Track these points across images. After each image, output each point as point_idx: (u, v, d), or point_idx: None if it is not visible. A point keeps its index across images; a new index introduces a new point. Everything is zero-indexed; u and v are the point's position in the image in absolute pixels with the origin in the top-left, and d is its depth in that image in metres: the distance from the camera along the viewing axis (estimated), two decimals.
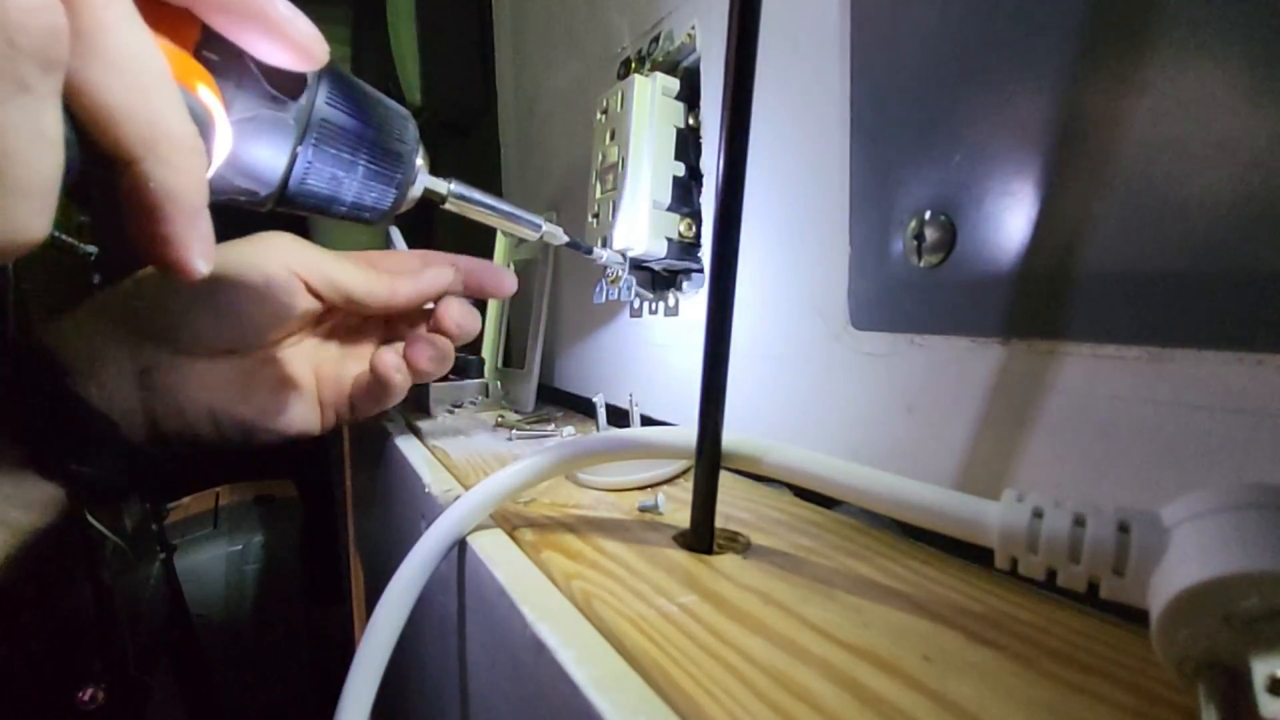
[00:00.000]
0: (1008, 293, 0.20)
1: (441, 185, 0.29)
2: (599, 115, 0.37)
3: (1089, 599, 0.15)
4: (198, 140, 0.18)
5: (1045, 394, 0.19)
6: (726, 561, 0.22)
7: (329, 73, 0.23)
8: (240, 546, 1.08)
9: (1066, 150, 0.18)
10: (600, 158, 0.37)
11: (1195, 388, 0.16)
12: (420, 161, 0.28)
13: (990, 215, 0.20)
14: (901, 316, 0.24)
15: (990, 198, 0.20)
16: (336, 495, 1.02)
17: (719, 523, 0.23)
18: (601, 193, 0.37)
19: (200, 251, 0.19)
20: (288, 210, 0.25)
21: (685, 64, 0.36)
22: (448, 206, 0.30)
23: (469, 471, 0.34)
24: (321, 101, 0.23)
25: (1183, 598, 0.11)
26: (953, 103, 0.21)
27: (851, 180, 0.25)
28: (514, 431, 0.42)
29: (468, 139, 0.85)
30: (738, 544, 0.23)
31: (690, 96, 0.35)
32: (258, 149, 0.22)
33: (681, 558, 0.22)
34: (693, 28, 0.34)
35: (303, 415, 0.35)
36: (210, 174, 0.20)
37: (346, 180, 0.25)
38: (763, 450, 0.21)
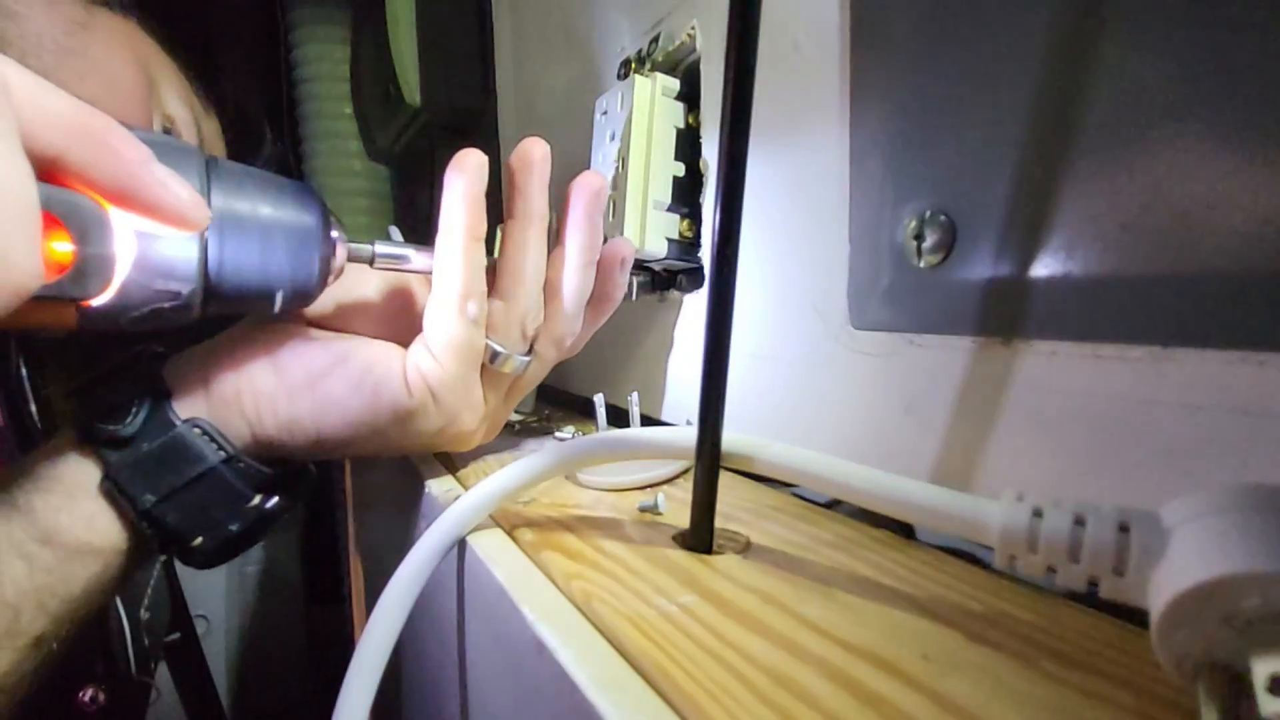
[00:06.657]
0: (1008, 293, 0.20)
1: (365, 249, 0.28)
2: (599, 115, 0.37)
3: (1088, 599, 0.15)
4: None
5: (1046, 394, 0.19)
6: (726, 561, 0.22)
7: (215, 168, 0.24)
8: None
9: (1068, 150, 0.18)
10: (600, 158, 0.37)
11: (1197, 388, 0.16)
12: (336, 233, 0.27)
13: (990, 215, 0.20)
14: (901, 316, 0.24)
15: (990, 197, 0.20)
16: (336, 495, 1.02)
17: (719, 523, 0.23)
18: None
19: None
20: (224, 309, 0.25)
21: (685, 64, 0.36)
22: (378, 266, 0.29)
23: (469, 472, 0.34)
24: (213, 194, 0.24)
25: (1183, 598, 0.11)
26: (953, 101, 0.21)
27: (851, 180, 0.25)
28: (514, 430, 0.42)
29: (467, 139, 0.85)
30: (738, 544, 0.23)
31: (690, 96, 0.35)
32: (163, 246, 0.23)
33: (681, 558, 0.22)
34: (692, 28, 0.34)
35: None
36: (121, 280, 0.22)
37: (272, 260, 0.25)
38: (762, 450, 0.21)
